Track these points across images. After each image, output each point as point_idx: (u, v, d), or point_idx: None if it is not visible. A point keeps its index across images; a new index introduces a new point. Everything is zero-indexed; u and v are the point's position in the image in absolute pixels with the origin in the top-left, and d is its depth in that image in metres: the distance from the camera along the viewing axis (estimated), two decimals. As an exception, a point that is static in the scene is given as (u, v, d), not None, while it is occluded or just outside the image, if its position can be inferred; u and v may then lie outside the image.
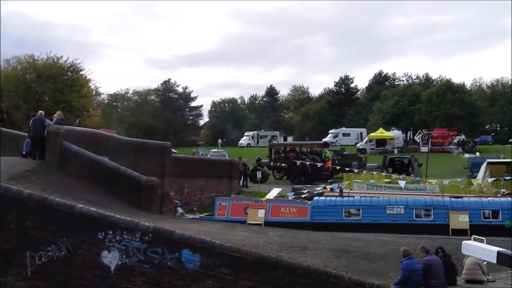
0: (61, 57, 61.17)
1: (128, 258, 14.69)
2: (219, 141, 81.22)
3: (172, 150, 31.63)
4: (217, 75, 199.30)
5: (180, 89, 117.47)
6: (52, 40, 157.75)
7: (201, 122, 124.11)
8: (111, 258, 14.80)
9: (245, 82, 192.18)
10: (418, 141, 69.80)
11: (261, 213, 22.96)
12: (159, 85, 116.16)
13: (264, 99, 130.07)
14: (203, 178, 30.02)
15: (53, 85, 57.35)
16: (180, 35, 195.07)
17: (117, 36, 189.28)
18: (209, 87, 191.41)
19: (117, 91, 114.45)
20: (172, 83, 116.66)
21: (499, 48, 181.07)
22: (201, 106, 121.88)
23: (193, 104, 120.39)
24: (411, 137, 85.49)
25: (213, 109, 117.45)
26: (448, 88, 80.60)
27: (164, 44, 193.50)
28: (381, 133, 69.46)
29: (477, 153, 55.84)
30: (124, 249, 14.72)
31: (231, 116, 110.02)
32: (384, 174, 35.44)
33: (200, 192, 29.82)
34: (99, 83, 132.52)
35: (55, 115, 23.80)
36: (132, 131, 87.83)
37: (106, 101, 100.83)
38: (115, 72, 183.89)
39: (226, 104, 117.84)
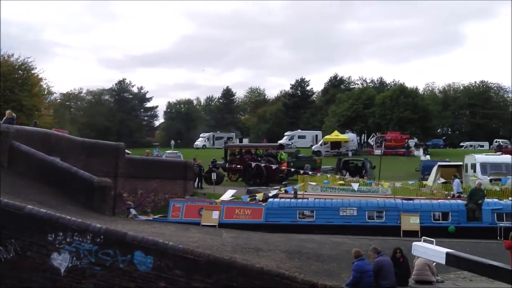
0: (12, 55, 59.77)
1: (78, 260, 14.43)
2: (172, 142, 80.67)
3: (126, 151, 31.22)
4: (173, 75, 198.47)
5: (135, 90, 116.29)
6: (3, 38, 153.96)
7: (157, 123, 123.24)
8: (61, 260, 14.52)
9: (201, 84, 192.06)
10: (372, 144, 70.84)
11: (215, 214, 22.89)
12: (114, 85, 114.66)
13: (221, 100, 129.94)
14: (157, 179, 29.72)
15: (3, 83, 55.73)
16: (135, 35, 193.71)
17: (71, 35, 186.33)
18: (165, 88, 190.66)
19: (70, 90, 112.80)
20: (127, 83, 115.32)
21: (451, 54, 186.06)
22: (157, 107, 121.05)
23: (148, 104, 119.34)
24: (365, 140, 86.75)
25: (168, 110, 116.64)
26: (402, 92, 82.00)
27: (119, 43, 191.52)
28: (336, 135, 70.13)
29: (428, 156, 57.12)
30: (75, 251, 14.46)
31: (187, 117, 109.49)
32: (338, 176, 35.85)
33: (154, 194, 29.51)
34: (52, 82, 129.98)
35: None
36: (85, 131, 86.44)
37: (58, 100, 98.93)
38: (68, 72, 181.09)
39: (182, 105, 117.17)
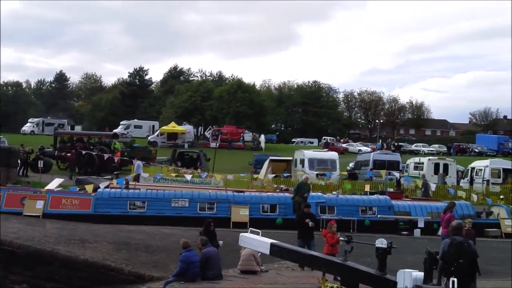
0: None
1: None
2: None
3: None
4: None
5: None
6: None
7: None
8: None
9: (30, 65, 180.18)
10: (208, 136, 71.77)
11: (39, 204, 21.63)
12: None
13: (53, 85, 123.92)
14: (-24, 165, 27.47)
15: None
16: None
17: None
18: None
19: None
20: None
21: (287, 53, 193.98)
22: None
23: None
24: (202, 133, 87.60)
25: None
26: (239, 87, 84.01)
27: None
28: (173, 127, 70.12)
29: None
30: None
31: (14, 101, 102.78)
32: (172, 167, 35.76)
33: (-29, 181, 27.20)
34: None
35: None
36: None
37: None
38: None
39: (9, 88, 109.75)
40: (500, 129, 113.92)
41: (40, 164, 33.20)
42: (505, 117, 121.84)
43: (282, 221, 22.46)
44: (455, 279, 8.74)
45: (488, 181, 36.87)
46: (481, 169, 38.34)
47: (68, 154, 37.40)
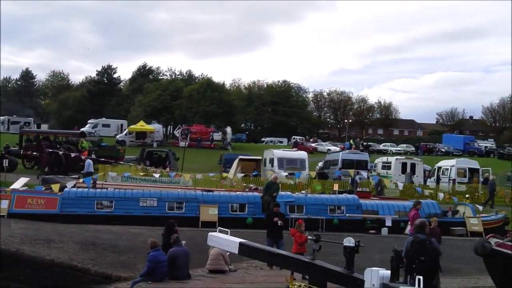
0: None
1: None
2: None
3: None
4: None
5: None
6: None
7: None
8: None
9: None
10: (178, 135, 71.47)
11: (4, 204, 21.23)
12: None
13: (19, 82, 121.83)
14: None
15: None
16: None
17: None
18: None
19: None
20: None
21: (258, 53, 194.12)
22: None
23: None
24: (171, 132, 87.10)
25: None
26: (209, 86, 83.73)
27: None
28: (141, 126, 69.62)
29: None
30: None
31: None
32: (140, 166, 35.47)
33: None
34: None
35: None
36: None
37: None
38: None
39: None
40: (466, 129, 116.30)
41: (5, 163, 32.59)
42: (471, 117, 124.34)
43: (251, 220, 22.45)
44: (421, 277, 8.86)
45: (454, 180, 37.50)
46: (447, 169, 38.96)
47: (34, 153, 36.86)
